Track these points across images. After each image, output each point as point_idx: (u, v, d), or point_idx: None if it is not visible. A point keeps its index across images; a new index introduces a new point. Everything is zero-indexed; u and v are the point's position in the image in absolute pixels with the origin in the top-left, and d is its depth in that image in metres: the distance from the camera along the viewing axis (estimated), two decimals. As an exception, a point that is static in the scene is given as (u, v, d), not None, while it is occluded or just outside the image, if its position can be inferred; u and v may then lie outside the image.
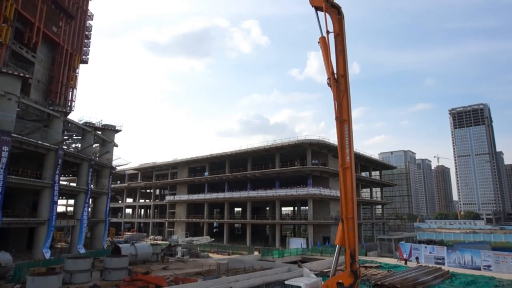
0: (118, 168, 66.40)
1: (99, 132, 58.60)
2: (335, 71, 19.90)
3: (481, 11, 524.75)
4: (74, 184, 53.22)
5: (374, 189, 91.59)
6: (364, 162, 78.53)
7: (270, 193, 63.65)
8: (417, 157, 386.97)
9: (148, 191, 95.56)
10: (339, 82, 19.42)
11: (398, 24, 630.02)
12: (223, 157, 71.17)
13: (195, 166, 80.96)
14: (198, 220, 75.87)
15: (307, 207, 62.79)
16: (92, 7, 69.65)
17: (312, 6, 21.63)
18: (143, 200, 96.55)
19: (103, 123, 61.69)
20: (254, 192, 66.26)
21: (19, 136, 39.05)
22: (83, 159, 51.11)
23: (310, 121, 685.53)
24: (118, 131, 63.18)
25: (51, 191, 43.34)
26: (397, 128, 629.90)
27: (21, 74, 39.60)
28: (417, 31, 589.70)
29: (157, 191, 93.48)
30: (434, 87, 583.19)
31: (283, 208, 77.42)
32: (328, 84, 19.87)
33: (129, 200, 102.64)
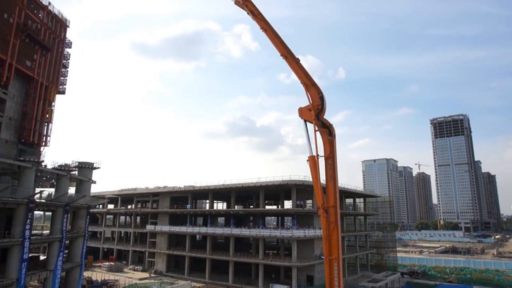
0: (97, 203, 63.80)
1: (75, 173, 55.85)
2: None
3: (461, 18, 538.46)
4: (47, 232, 50.22)
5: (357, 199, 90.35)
6: (349, 194, 78.01)
7: (253, 232, 62.23)
8: (399, 164, 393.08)
9: (128, 217, 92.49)
10: (328, 213, 18.21)
11: (382, 29, 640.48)
12: (206, 190, 69.31)
13: (177, 196, 78.76)
14: (179, 253, 73.70)
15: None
16: (74, 23, 66.57)
17: (301, 118, 20.49)
18: (122, 226, 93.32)
19: (80, 160, 58.97)
20: (237, 229, 64.64)
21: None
22: (58, 205, 48.47)
23: (296, 124, 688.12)
24: (95, 168, 60.52)
25: (21, 248, 40.71)
26: (381, 132, 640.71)
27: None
28: (400, 36, 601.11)
29: (138, 218, 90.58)
30: (418, 92, 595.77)
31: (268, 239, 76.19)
32: (317, 213, 18.71)
33: (109, 222, 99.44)
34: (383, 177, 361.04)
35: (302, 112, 20.87)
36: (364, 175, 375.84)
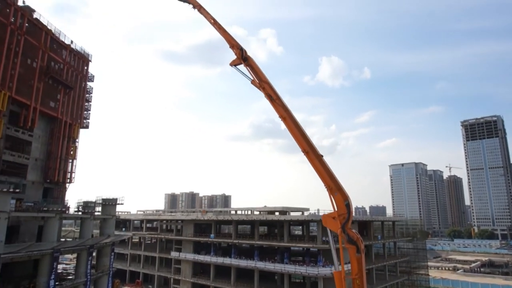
0: (121, 239, 64.06)
1: (99, 213, 56.01)
2: None
3: (488, 11, 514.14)
4: (71, 278, 50.35)
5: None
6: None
7: (278, 267, 60.49)
8: (428, 167, 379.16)
9: (153, 241, 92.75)
10: None
11: (405, 25, 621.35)
12: (229, 221, 68.23)
13: (201, 223, 78.21)
14: (204, 282, 73.01)
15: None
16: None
17: (325, 226, 18.70)
18: (147, 250, 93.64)
19: (103, 196, 59.20)
20: (261, 263, 63.06)
21: (11, 255, 36.56)
22: (82, 249, 48.58)
23: (321, 125, 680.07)
24: (119, 204, 60.65)
25: (46, 300, 40.77)
26: (408, 131, 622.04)
27: (11, 190, 36.97)
28: (425, 32, 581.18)
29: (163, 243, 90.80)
30: (446, 89, 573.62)
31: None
32: None
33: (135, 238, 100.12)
34: (412, 182, 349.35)
35: (325, 220, 18.99)
36: (391, 180, 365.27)
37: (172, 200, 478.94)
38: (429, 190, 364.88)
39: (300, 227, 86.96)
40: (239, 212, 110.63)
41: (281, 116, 22.40)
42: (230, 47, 24.03)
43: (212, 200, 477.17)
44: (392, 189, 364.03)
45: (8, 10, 46.29)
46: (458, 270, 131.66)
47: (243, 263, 65.84)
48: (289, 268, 59.15)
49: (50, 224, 42.95)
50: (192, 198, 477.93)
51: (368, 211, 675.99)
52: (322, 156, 21.53)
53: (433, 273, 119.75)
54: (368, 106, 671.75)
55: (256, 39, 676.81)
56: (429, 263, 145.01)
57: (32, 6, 52.86)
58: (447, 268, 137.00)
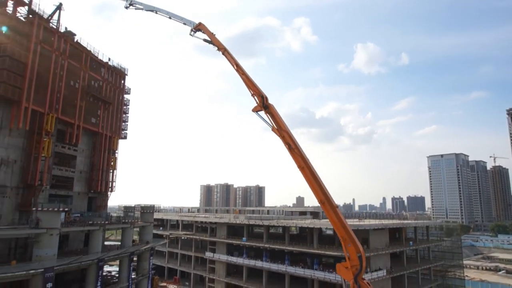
0: (158, 244, 68.20)
1: (139, 222, 59.93)
2: None
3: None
4: (115, 281, 54.65)
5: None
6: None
7: (308, 273, 62.00)
8: (470, 158, 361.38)
9: (189, 238, 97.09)
10: None
11: (443, 7, 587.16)
12: (261, 225, 70.42)
13: (233, 225, 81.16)
14: (237, 283, 76.10)
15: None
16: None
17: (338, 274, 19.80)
18: (184, 248, 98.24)
19: (143, 204, 63.36)
20: (292, 268, 64.87)
21: (62, 267, 40.64)
22: (124, 256, 52.59)
23: (356, 113, 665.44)
24: (157, 210, 64.57)
25: (94, 306, 44.90)
26: (449, 118, 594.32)
27: (61, 209, 40.86)
28: (464, 12, 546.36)
29: (199, 242, 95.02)
30: (492, 73, 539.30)
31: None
32: None
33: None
34: (452, 174, 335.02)
35: (339, 269, 20.09)
36: (430, 171, 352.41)
37: (208, 191, 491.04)
38: (471, 181, 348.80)
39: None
40: (271, 211, 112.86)
41: (299, 166, 23.42)
42: (252, 95, 25.29)
43: (246, 192, 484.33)
44: (431, 181, 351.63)
45: (52, 38, 50.18)
46: (500, 270, 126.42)
47: (274, 267, 67.93)
48: (319, 274, 60.45)
49: (94, 236, 46.94)
50: (226, 189, 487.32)
51: (405, 202, 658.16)
52: (337, 206, 22.47)
53: (471, 274, 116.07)
54: (406, 93, 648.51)
55: (290, 29, 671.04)
56: (468, 262, 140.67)
57: (77, 6, 56.82)
58: (487, 268, 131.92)
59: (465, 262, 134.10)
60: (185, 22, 33.02)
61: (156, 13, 35.96)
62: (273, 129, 24.89)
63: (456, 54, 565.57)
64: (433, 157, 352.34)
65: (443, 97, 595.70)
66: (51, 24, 52.05)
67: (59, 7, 56.82)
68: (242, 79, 26.90)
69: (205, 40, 31.45)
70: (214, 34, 30.33)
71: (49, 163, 49.92)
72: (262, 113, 24.99)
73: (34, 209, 41.49)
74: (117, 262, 57.60)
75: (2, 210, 43.42)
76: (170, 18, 34.89)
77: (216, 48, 30.37)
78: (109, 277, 57.98)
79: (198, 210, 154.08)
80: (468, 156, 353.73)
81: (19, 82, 44.50)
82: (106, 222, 49.00)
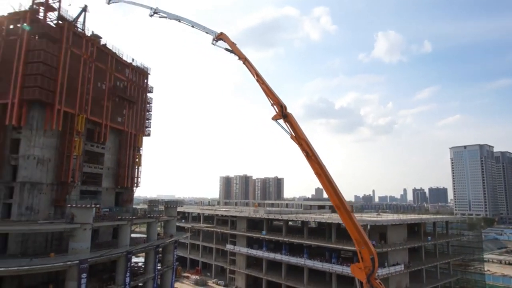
0: (182, 237, 71.17)
1: (164, 216, 62.71)
2: None
3: None
4: (142, 272, 57.69)
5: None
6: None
7: (326, 266, 63.59)
8: (495, 149, 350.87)
9: (209, 230, 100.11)
10: None
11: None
12: (279, 220, 72.24)
13: (253, 219, 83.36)
14: (256, 274, 78.54)
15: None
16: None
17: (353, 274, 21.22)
18: (205, 241, 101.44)
19: (163, 195, 66.07)
20: (310, 261, 66.58)
21: (94, 259, 43.64)
22: (150, 249, 55.50)
23: (376, 103, 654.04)
24: (180, 205, 67.30)
25: (124, 293, 48.00)
26: (473, 107, 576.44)
27: (93, 206, 43.68)
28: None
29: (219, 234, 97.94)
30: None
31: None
32: None
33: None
34: (476, 165, 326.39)
35: (353, 269, 21.51)
36: (452, 163, 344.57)
37: (227, 182, 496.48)
38: (495, 173, 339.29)
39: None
40: (290, 204, 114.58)
41: (316, 173, 24.77)
42: (271, 104, 26.66)
43: (265, 183, 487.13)
44: (453, 173, 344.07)
45: (81, 42, 52.82)
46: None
47: (293, 260, 69.82)
48: (337, 268, 61.93)
49: (123, 230, 49.86)
50: (245, 181, 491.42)
51: (427, 193, 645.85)
52: (350, 211, 23.76)
53: (493, 268, 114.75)
54: (429, 81, 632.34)
55: (309, 19, 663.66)
56: (491, 256, 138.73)
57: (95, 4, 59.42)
58: (510, 262, 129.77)
59: (487, 256, 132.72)
60: (207, 31, 34.55)
61: (180, 21, 37.62)
62: (291, 137, 26.23)
63: (481, 40, 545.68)
64: (456, 148, 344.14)
65: (468, 85, 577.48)
66: (77, 26, 54.74)
67: (84, 9, 59.56)
68: (262, 88, 28.28)
69: (226, 49, 32.91)
70: (235, 44, 31.80)
71: (80, 161, 53.11)
72: (281, 121, 26.40)
73: (69, 205, 44.54)
74: (142, 253, 60.79)
75: (40, 206, 46.78)
76: (192, 26, 36.44)
77: (237, 57, 31.81)
78: (135, 268, 61.19)
79: (218, 202, 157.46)
80: (493, 147, 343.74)
81: (52, 85, 47.37)
82: (134, 217, 51.85)
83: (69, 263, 39.35)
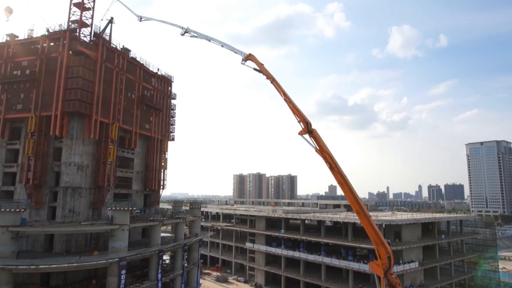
0: (205, 236, 75.30)
1: (189, 217, 66.82)
2: None
3: None
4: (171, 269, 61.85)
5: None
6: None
7: (343, 263, 66.74)
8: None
9: (229, 229, 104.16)
10: None
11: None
12: (297, 219, 75.64)
13: (272, 218, 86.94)
14: (275, 271, 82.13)
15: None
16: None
17: (371, 271, 24.38)
18: (225, 239, 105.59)
19: (192, 199, 70.21)
20: (328, 259, 69.81)
21: (131, 257, 47.88)
22: (178, 248, 59.64)
23: (391, 99, 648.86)
24: (204, 205, 71.31)
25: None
26: (492, 102, 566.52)
27: (129, 208, 47.86)
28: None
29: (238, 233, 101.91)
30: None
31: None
32: None
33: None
34: (493, 162, 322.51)
35: (372, 266, 24.59)
36: (468, 159, 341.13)
37: (240, 180, 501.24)
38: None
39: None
40: (306, 203, 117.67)
41: (339, 182, 28.00)
42: (298, 122, 29.88)
43: (279, 181, 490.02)
44: (469, 169, 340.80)
45: (113, 56, 57.09)
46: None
47: (311, 257, 73.14)
48: (353, 265, 65.03)
49: (154, 230, 54.02)
50: (259, 178, 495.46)
51: (443, 190, 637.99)
52: (370, 216, 26.93)
53: (509, 266, 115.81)
54: (445, 76, 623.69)
55: (323, 15, 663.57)
56: (507, 253, 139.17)
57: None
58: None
59: (503, 253, 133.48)
60: (236, 51, 37.80)
61: (210, 41, 40.99)
62: (316, 150, 29.41)
63: (500, 32, 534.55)
64: (472, 144, 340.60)
65: (486, 79, 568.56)
66: (109, 41, 58.99)
67: (110, 21, 63.61)
68: (289, 107, 31.48)
69: (254, 69, 36.11)
70: (263, 64, 34.99)
71: (114, 167, 57.52)
72: (306, 136, 29.60)
73: (108, 208, 48.85)
74: (168, 252, 64.92)
75: (80, 208, 51.30)
76: (222, 46, 39.79)
77: (265, 77, 35.00)
78: (164, 265, 65.54)
79: (235, 202, 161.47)
80: (510, 143, 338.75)
81: (90, 98, 51.72)
82: (164, 218, 55.98)
83: (110, 260, 43.61)
